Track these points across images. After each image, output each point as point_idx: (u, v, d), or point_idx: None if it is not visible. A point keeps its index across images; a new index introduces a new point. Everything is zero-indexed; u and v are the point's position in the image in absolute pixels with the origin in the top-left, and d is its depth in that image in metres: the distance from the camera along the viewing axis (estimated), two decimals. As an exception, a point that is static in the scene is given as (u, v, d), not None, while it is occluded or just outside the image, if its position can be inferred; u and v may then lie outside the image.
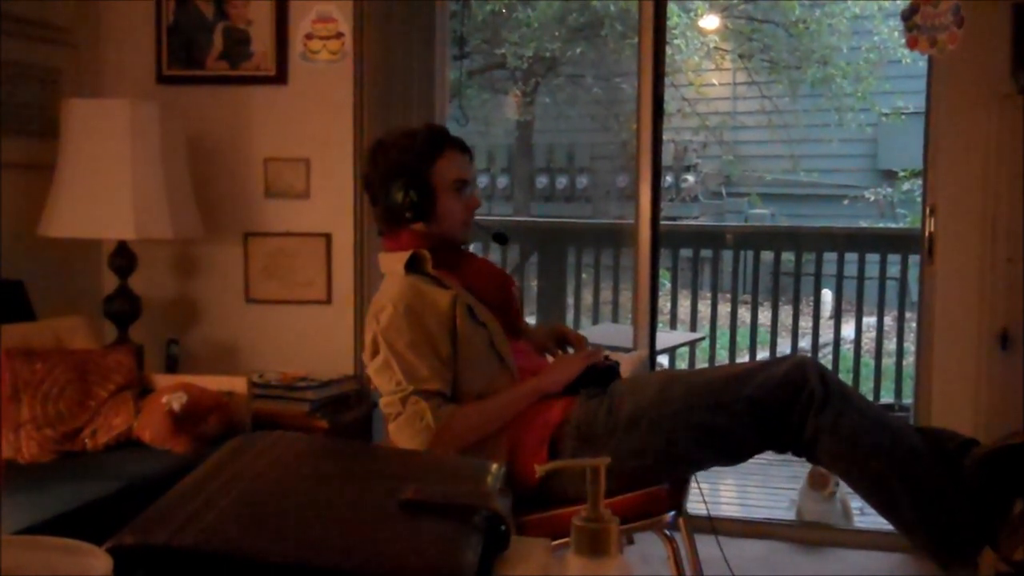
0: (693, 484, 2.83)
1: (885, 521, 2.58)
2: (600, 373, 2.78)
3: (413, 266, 2.76)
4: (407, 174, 2.76)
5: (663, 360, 6.22)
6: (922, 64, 4.01)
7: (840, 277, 6.79)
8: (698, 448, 2.60)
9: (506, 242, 3.18)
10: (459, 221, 2.84)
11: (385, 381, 2.67)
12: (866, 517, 4.06)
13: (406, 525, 1.10)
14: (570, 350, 3.06)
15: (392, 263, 2.81)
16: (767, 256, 7.45)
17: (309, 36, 4.07)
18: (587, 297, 7.55)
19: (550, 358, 3.02)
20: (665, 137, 4.24)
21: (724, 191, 12.06)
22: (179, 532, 1.03)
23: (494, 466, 1.32)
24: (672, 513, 2.64)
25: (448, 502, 1.15)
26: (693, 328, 7.31)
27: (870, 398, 5.77)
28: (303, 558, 1.01)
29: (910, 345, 6.45)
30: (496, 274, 3.06)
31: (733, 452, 2.65)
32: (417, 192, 2.75)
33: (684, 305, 7.55)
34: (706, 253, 7.69)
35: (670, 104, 9.25)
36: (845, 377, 4.81)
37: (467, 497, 1.17)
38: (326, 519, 1.10)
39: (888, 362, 6.75)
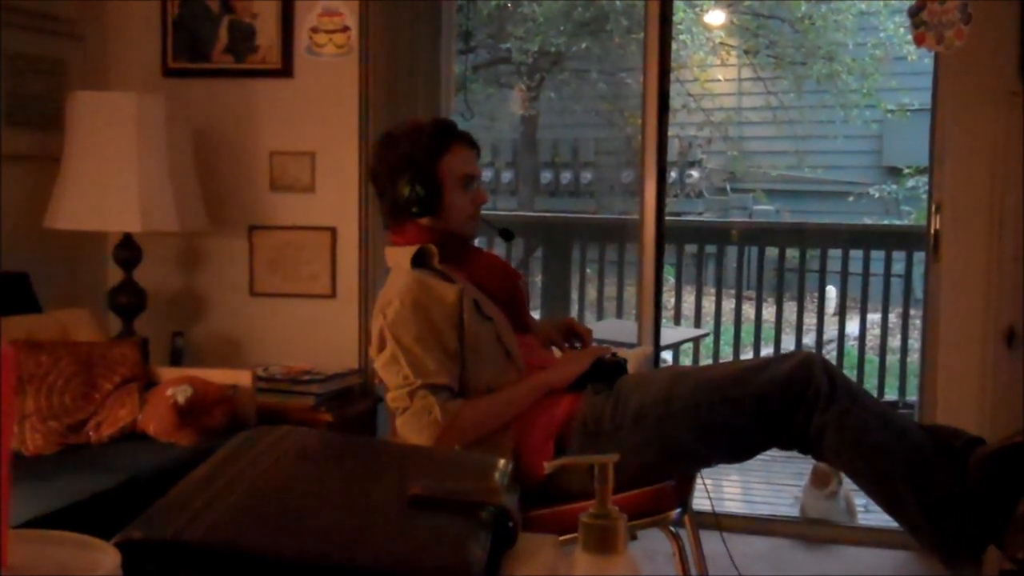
0: (698, 481, 2.83)
1: (889, 518, 2.58)
2: (607, 369, 2.77)
3: (420, 260, 2.76)
4: (414, 168, 2.76)
5: (667, 356, 6.22)
6: (928, 61, 4.01)
7: (845, 274, 6.79)
8: (704, 445, 2.60)
9: (512, 238, 3.18)
10: (466, 216, 2.84)
11: (392, 375, 2.67)
12: (870, 514, 4.06)
13: (414, 521, 1.09)
14: (577, 344, 3.06)
15: (399, 257, 2.81)
16: (771, 252, 7.45)
17: (315, 30, 4.06)
18: (591, 292, 7.55)
19: (557, 351, 3.02)
20: (670, 133, 4.24)
21: (729, 187, 12.05)
22: (187, 527, 1.03)
23: (501, 462, 1.32)
24: (678, 510, 2.64)
25: (456, 498, 1.15)
26: (697, 324, 7.31)
27: (874, 395, 5.78)
28: (311, 554, 1.01)
29: (914, 342, 6.46)
30: (503, 269, 3.05)
31: (739, 449, 2.65)
32: (424, 186, 2.75)
33: (688, 301, 7.55)
34: (711, 249, 7.69)
35: (675, 99, 9.25)
36: (849, 374, 4.79)
37: (475, 493, 1.17)
38: (334, 515, 1.10)
39: (892, 359, 6.74)
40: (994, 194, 3.64)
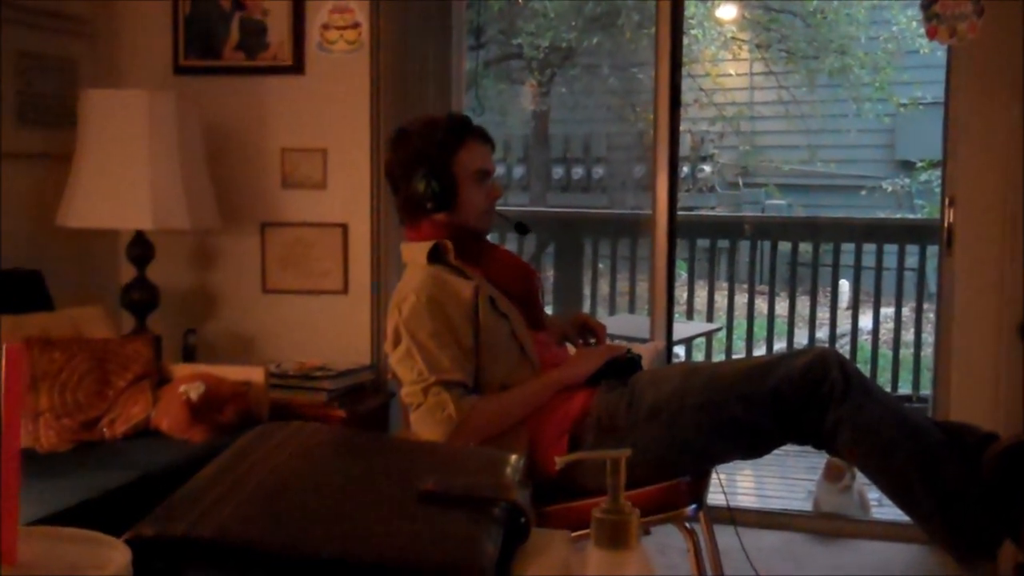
0: (713, 476, 2.82)
1: (902, 513, 2.58)
2: (622, 365, 2.77)
3: (435, 256, 2.76)
4: (429, 163, 2.75)
5: (679, 351, 6.21)
6: (941, 54, 3.98)
7: (858, 268, 6.76)
8: (718, 441, 2.59)
9: (527, 232, 3.17)
10: (481, 211, 2.83)
11: (407, 371, 2.67)
12: (883, 508, 4.05)
13: (426, 517, 1.09)
14: (592, 340, 3.05)
15: (414, 253, 2.80)
16: (784, 246, 7.42)
17: (326, 26, 4.06)
18: (604, 287, 7.53)
19: (571, 347, 3.01)
20: (682, 127, 4.23)
21: (741, 181, 12.02)
22: (198, 523, 1.02)
23: (514, 458, 1.32)
24: (693, 507, 2.63)
25: (468, 494, 1.15)
26: (710, 319, 7.29)
27: (887, 389, 5.76)
28: (322, 550, 1.01)
29: (928, 336, 6.44)
30: (518, 265, 3.05)
31: (753, 445, 2.64)
32: (439, 182, 2.74)
33: (701, 295, 7.53)
34: (723, 243, 7.67)
35: (687, 94, 9.23)
36: (862, 368, 4.74)
37: (487, 489, 1.17)
38: (345, 511, 1.09)
39: (906, 353, 6.72)
40: (1007, 187, 3.63)
